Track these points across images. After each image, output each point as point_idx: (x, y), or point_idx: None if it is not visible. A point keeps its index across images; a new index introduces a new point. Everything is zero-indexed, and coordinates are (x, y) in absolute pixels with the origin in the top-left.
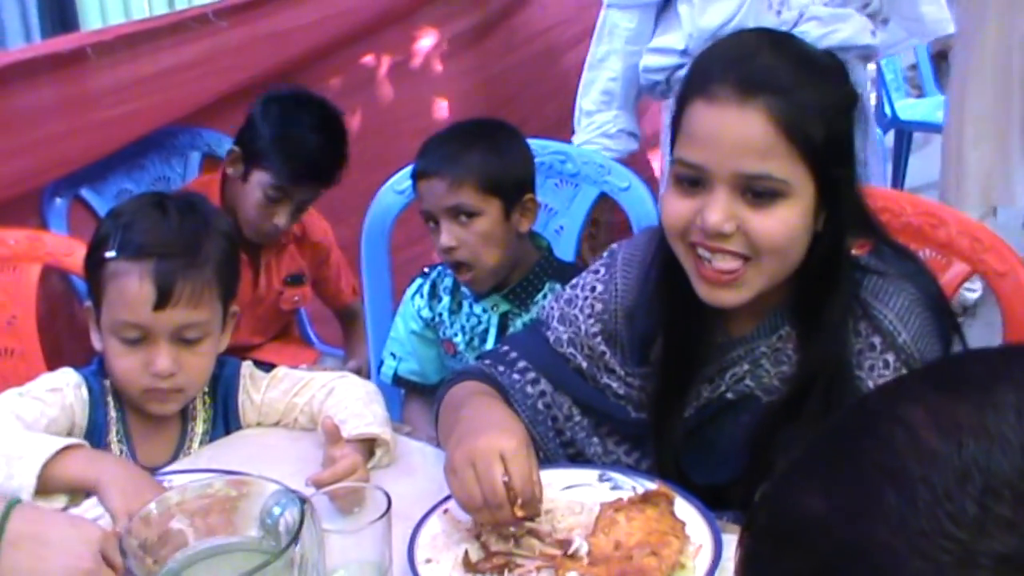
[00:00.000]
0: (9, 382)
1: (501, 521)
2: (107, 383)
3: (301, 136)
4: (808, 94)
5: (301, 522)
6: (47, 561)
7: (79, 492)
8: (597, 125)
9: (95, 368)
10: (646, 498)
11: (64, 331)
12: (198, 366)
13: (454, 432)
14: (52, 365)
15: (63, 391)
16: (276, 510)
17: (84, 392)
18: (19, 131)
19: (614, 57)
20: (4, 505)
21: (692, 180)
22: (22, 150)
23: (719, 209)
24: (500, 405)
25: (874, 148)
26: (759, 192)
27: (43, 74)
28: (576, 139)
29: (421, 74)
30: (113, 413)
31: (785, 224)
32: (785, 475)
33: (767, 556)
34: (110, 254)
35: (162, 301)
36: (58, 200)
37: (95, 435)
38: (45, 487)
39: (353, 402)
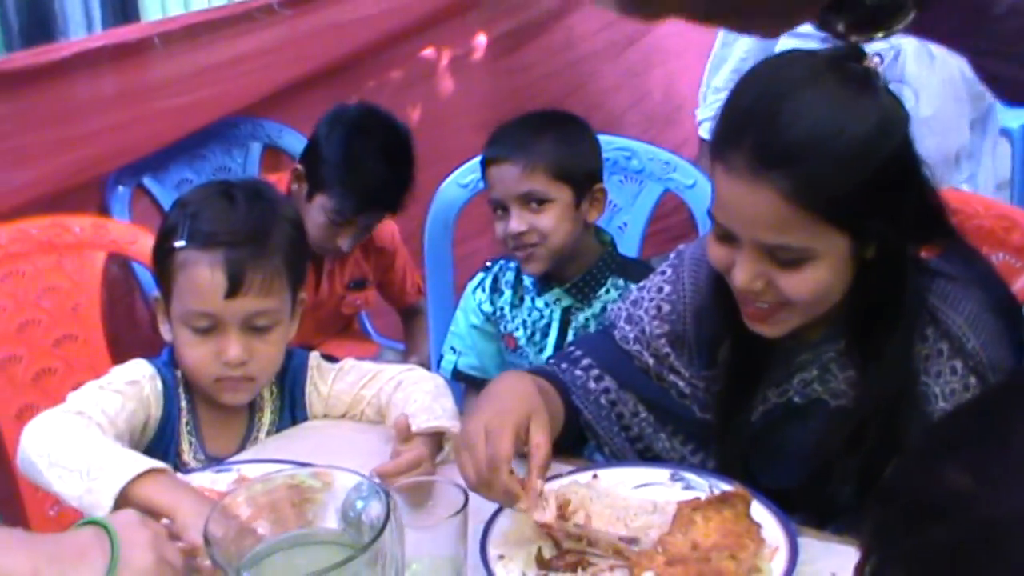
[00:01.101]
0: (72, 368)
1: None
2: (178, 374)
3: (365, 165)
4: (828, 155)
5: (387, 516)
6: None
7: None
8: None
9: (166, 359)
10: (723, 499)
11: (124, 319)
12: (268, 354)
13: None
14: (113, 352)
15: (140, 383)
16: (359, 503)
17: (158, 383)
18: (82, 120)
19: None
20: (77, 525)
21: (725, 235)
22: (85, 139)
23: (746, 270)
24: (527, 378)
25: (993, 150)
26: (784, 259)
27: (106, 64)
28: (700, 113)
29: (481, 68)
30: (183, 404)
31: (815, 282)
32: (924, 450)
33: (902, 529)
34: (179, 243)
35: (233, 289)
36: (120, 188)
37: (168, 426)
38: (120, 506)
39: (422, 395)
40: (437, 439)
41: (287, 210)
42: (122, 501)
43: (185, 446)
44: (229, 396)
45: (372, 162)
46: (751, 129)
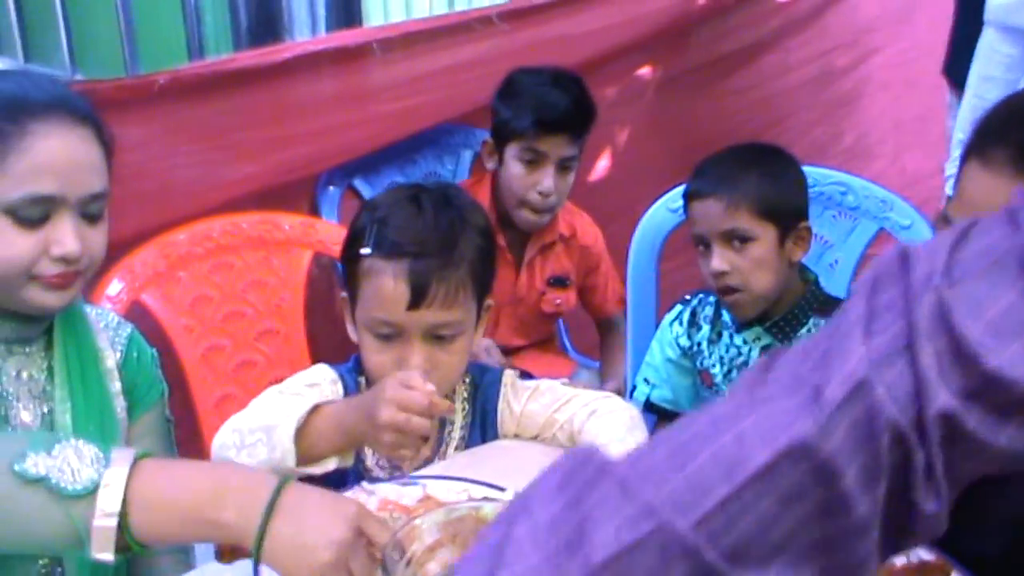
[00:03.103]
0: (272, 362)
1: None
2: (362, 380)
3: (540, 90)
4: None
5: None
6: (306, 530)
7: (343, 449)
8: None
9: (351, 366)
10: (921, 568)
11: (325, 317)
12: (451, 364)
13: None
14: (312, 350)
15: (320, 386)
16: None
17: (339, 388)
18: (301, 120)
19: (990, 85)
20: (278, 482)
21: None
22: (302, 138)
23: None
24: None
25: None
26: None
27: (326, 66)
28: (948, 168)
29: (695, 89)
30: None
31: None
32: None
33: None
34: (365, 251)
35: (416, 301)
36: (331, 188)
37: None
38: (306, 453)
39: (616, 427)
40: None
41: (476, 217)
42: (305, 446)
43: (368, 452)
44: None
45: (545, 87)
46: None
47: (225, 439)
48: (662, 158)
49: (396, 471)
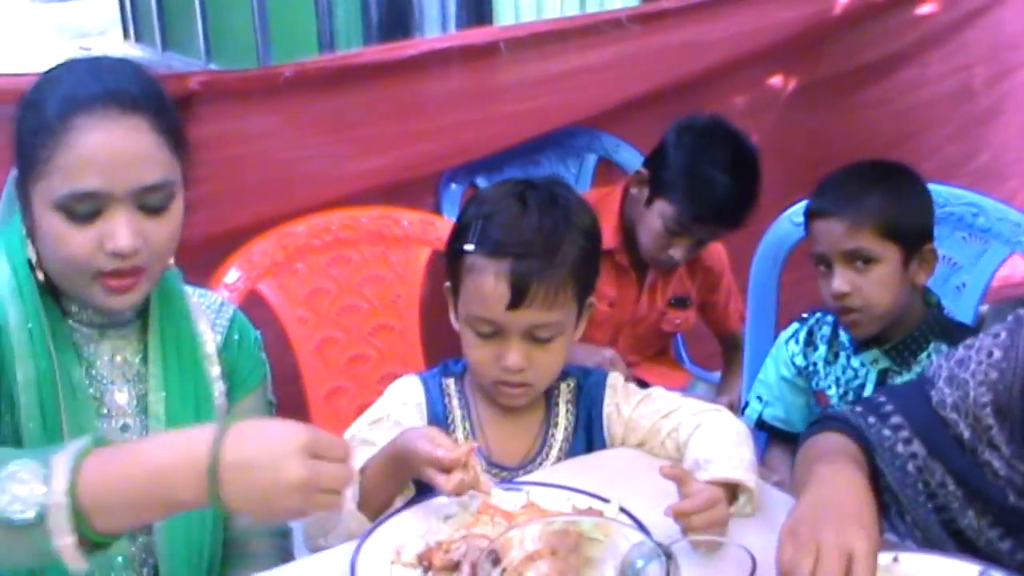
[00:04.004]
0: (385, 357)
1: None
2: (449, 382)
3: (710, 175)
4: None
5: None
6: (258, 487)
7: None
8: None
9: (439, 369)
10: None
11: (440, 315)
12: (548, 363)
13: (806, 491)
14: (425, 347)
15: (383, 421)
16: (639, 563)
17: (421, 408)
18: (428, 116)
19: None
20: (211, 449)
21: None
22: (428, 135)
23: None
24: (861, 482)
25: None
26: None
27: (455, 64)
28: None
29: (826, 101)
30: (458, 411)
31: None
32: None
33: None
34: (469, 247)
35: (516, 302)
36: (453, 186)
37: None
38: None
39: (721, 441)
40: (731, 490)
41: (582, 218)
42: (368, 508)
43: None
44: (505, 399)
45: (717, 172)
46: None
47: (309, 528)
48: (789, 169)
49: (493, 468)
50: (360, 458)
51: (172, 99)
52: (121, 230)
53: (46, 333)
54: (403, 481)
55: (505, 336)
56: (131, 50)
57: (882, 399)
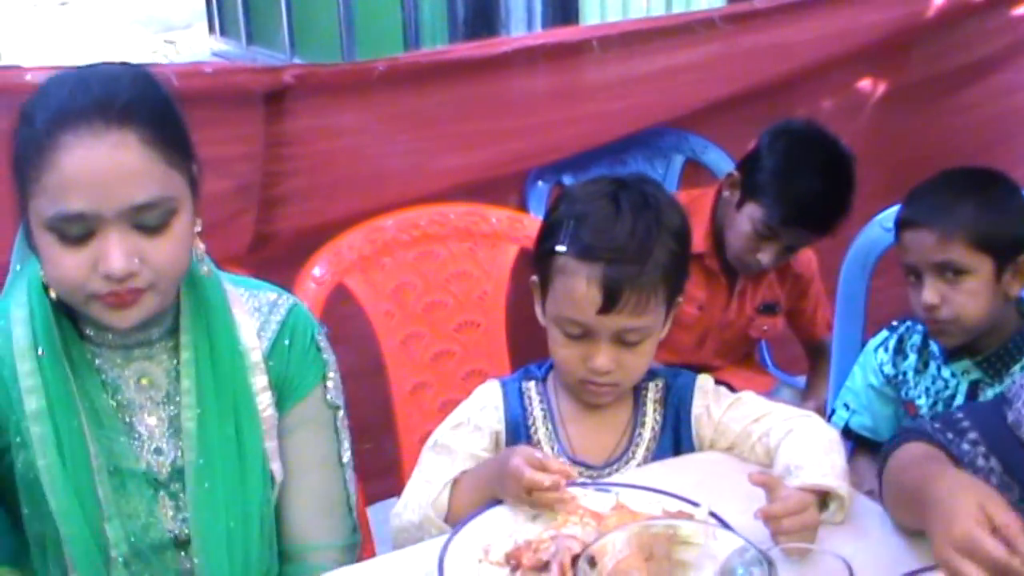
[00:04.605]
0: (470, 353)
1: None
2: (529, 385)
3: (803, 180)
4: None
5: None
6: None
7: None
8: None
9: (521, 375)
10: None
11: (526, 313)
12: (636, 364)
13: (931, 512)
14: (511, 344)
15: (464, 427)
16: (740, 569)
17: (499, 413)
18: (514, 115)
19: None
20: None
21: None
22: (514, 133)
23: None
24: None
25: None
26: None
27: (542, 62)
28: None
29: (916, 105)
30: (539, 414)
31: None
32: None
33: None
34: (560, 248)
35: (608, 307)
36: (540, 184)
37: (517, 433)
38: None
39: (813, 447)
40: (822, 497)
41: (672, 219)
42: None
43: (548, 451)
44: (591, 398)
45: (810, 178)
46: None
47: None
48: (878, 174)
49: (577, 466)
50: (437, 465)
51: (175, 107)
52: (113, 253)
53: (60, 359)
54: (488, 498)
55: (594, 338)
56: (216, 44)
57: (959, 415)
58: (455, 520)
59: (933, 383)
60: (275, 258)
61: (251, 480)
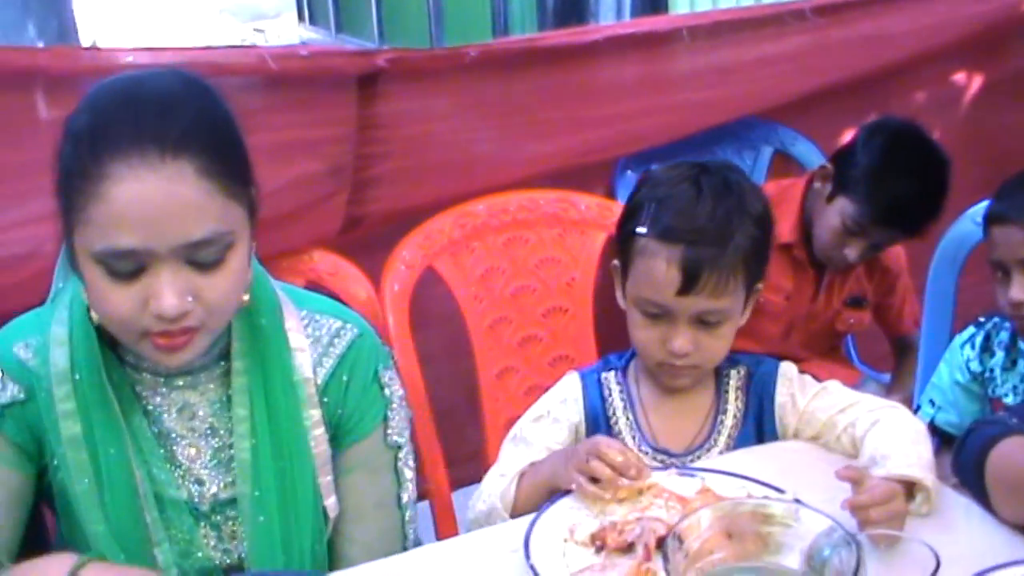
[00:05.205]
0: (556, 339)
1: None
2: (608, 376)
3: (898, 181)
4: None
5: (856, 571)
6: None
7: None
8: None
9: (601, 365)
10: None
11: (613, 301)
12: (714, 347)
13: None
14: (598, 331)
15: (544, 419)
16: (827, 550)
17: (578, 405)
18: (602, 103)
19: None
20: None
21: None
22: (604, 121)
23: None
24: None
25: None
26: None
27: (632, 51)
28: None
29: (1013, 100)
30: (619, 403)
31: None
32: None
33: None
34: (641, 229)
35: (686, 288)
36: (629, 173)
37: (597, 424)
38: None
39: (899, 438)
40: (908, 489)
41: (755, 204)
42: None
43: (629, 440)
44: (669, 380)
45: (905, 179)
46: None
47: (472, 520)
48: (972, 169)
49: (660, 454)
50: (514, 457)
51: (235, 127)
52: (165, 291)
53: (103, 383)
54: (555, 490)
55: (673, 319)
56: (305, 32)
57: None
58: (519, 512)
59: (1022, 381)
60: (364, 240)
61: (303, 516)
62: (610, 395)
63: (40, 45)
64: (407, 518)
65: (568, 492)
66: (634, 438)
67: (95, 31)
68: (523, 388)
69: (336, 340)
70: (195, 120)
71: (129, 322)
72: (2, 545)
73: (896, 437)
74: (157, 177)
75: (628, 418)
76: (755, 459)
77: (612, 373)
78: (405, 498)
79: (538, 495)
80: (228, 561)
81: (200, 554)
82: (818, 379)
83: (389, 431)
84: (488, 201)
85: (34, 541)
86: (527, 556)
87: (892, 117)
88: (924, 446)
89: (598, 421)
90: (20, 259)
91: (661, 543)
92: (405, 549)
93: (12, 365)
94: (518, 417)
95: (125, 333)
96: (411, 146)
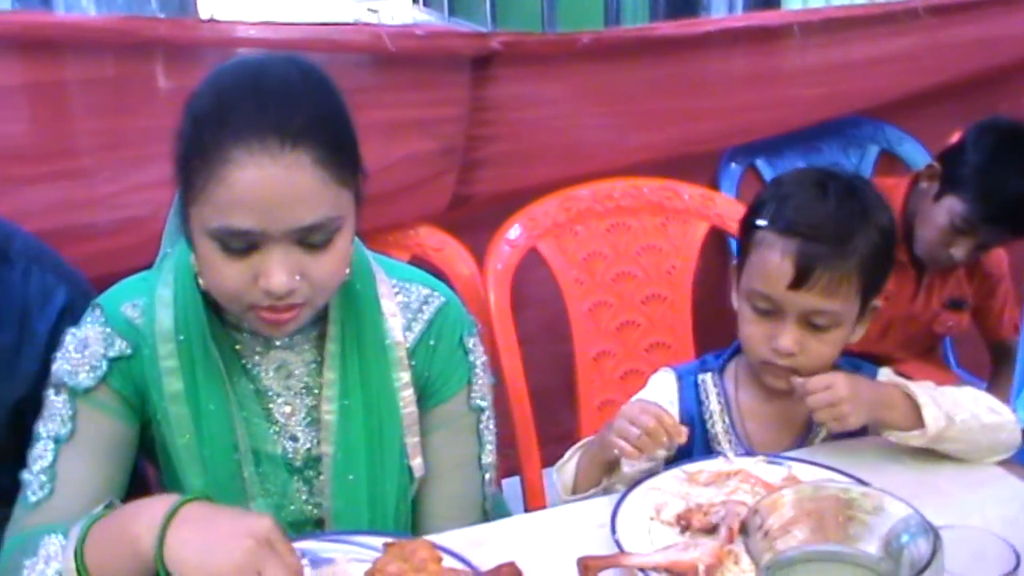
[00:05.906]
0: (654, 325)
1: None
2: (704, 377)
3: (1007, 176)
4: None
5: (931, 559)
6: (210, 538)
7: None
8: None
9: (697, 364)
10: None
11: (711, 291)
12: (820, 352)
13: None
14: (695, 321)
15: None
16: (904, 537)
17: (673, 392)
18: (710, 95)
19: None
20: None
21: None
22: (711, 113)
23: None
24: None
25: None
26: None
27: (743, 44)
28: None
29: None
30: (716, 406)
31: None
32: None
33: None
34: (761, 222)
35: (798, 282)
36: (733, 165)
37: (692, 427)
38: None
39: (964, 395)
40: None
41: (880, 216)
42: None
43: (726, 444)
44: (771, 379)
45: (1015, 176)
46: None
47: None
48: None
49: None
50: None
51: (347, 116)
52: (275, 270)
53: (208, 344)
54: (604, 470)
55: (781, 317)
56: (418, 14)
57: None
58: (580, 489)
59: None
60: (470, 219)
61: (389, 474)
62: (707, 398)
63: (161, 16)
64: (487, 479)
65: (656, 473)
66: (731, 443)
67: (214, 5)
68: (619, 372)
69: (424, 307)
70: (313, 112)
71: (238, 295)
72: (112, 488)
73: (962, 394)
74: (276, 165)
75: (725, 422)
76: (839, 452)
77: (709, 375)
78: (486, 459)
79: (592, 468)
80: (318, 514)
81: (293, 507)
82: (912, 380)
83: (472, 394)
84: (593, 186)
85: (137, 495)
86: (613, 531)
87: (1002, 117)
88: (970, 404)
89: (693, 423)
90: (143, 221)
91: (744, 527)
92: (484, 508)
93: (120, 323)
94: (612, 400)
95: (233, 304)
96: (520, 129)
